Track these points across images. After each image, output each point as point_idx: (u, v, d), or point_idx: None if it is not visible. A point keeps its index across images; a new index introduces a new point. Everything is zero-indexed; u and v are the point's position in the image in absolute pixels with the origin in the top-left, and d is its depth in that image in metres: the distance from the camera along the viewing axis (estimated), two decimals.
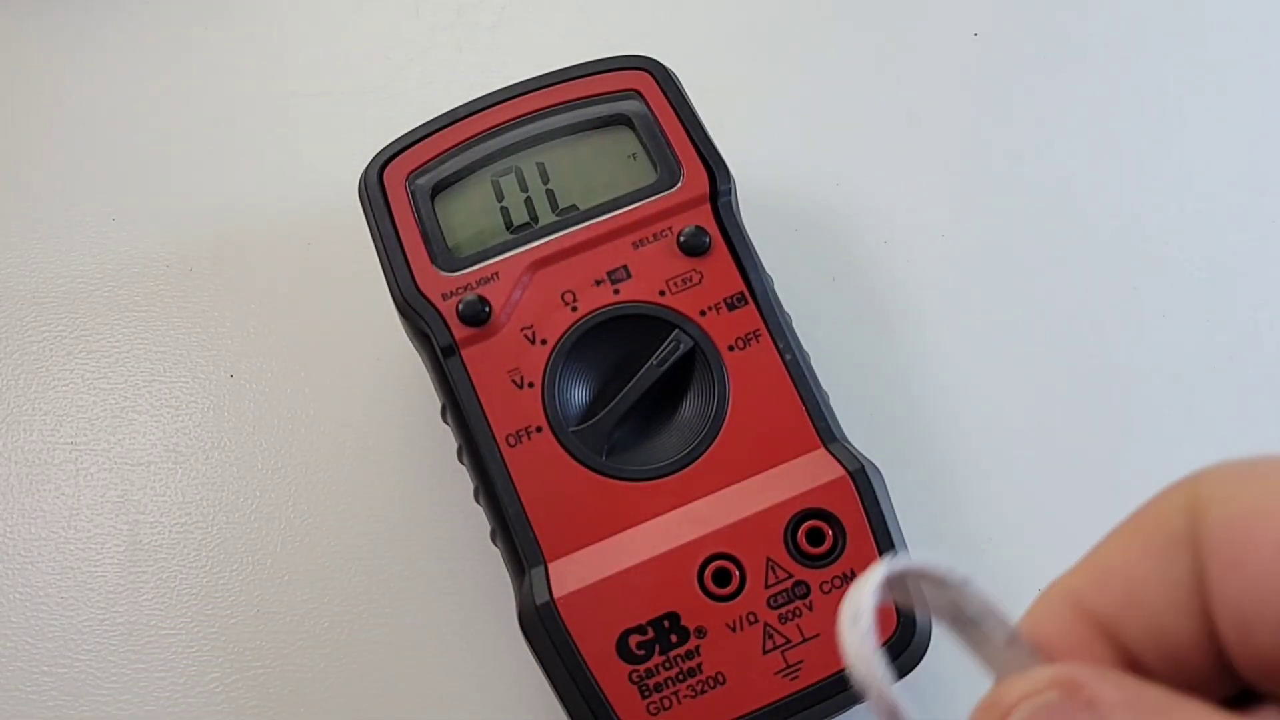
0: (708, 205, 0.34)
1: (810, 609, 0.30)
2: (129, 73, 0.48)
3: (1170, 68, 0.46)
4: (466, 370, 0.32)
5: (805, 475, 0.31)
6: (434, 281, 0.33)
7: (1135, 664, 0.20)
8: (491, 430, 0.31)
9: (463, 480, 0.34)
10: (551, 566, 0.30)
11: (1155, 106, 0.46)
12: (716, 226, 0.33)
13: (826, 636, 0.30)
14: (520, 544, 0.31)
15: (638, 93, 0.35)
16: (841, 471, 0.31)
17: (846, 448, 0.31)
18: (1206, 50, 0.47)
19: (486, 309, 0.32)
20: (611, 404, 0.32)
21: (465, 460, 0.33)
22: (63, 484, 0.41)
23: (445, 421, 0.33)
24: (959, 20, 0.47)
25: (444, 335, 0.32)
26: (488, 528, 0.33)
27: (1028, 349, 0.41)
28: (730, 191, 0.34)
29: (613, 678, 0.29)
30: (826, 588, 0.30)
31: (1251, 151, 0.45)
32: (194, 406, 0.42)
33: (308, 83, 0.48)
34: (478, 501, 0.33)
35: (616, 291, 0.33)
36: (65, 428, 0.42)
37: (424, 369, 0.36)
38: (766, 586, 0.30)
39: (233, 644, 0.39)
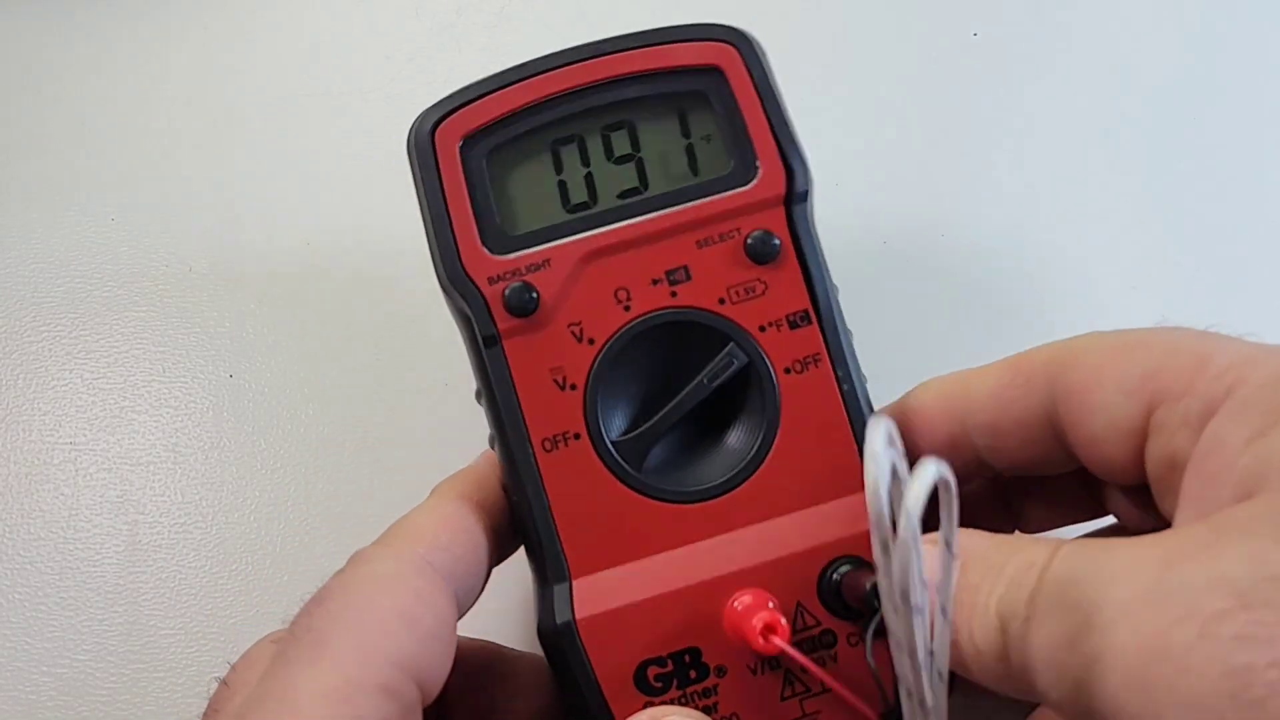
0: (782, 208, 0.31)
1: (834, 659, 0.29)
2: (129, 73, 0.48)
3: (1170, 67, 0.46)
4: (507, 363, 0.30)
5: (848, 519, 0.29)
6: (481, 263, 0.30)
7: (979, 457, 0.30)
8: (527, 432, 0.30)
9: None
10: (576, 584, 0.29)
11: (1156, 105, 0.46)
12: (788, 233, 0.31)
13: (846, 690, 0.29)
14: (546, 557, 0.29)
15: (719, 69, 0.31)
16: None
17: None
18: (1207, 49, 0.47)
19: (534, 299, 0.30)
20: (655, 418, 0.30)
21: (498, 453, 0.31)
22: (62, 484, 0.41)
23: (480, 403, 0.32)
24: (959, 20, 0.47)
25: (486, 324, 0.30)
26: None
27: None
28: (808, 195, 0.31)
29: (627, 707, 0.28)
30: (854, 640, 0.29)
31: (1253, 150, 0.45)
32: (194, 406, 0.42)
33: (308, 83, 0.48)
34: (503, 490, 0.31)
35: (674, 294, 0.30)
36: (65, 428, 0.42)
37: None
38: (794, 631, 0.29)
39: (232, 644, 0.39)
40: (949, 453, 0.30)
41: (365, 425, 0.42)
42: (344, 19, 0.49)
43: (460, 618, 0.29)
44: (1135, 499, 0.29)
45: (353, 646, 0.25)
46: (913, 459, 0.30)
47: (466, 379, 0.31)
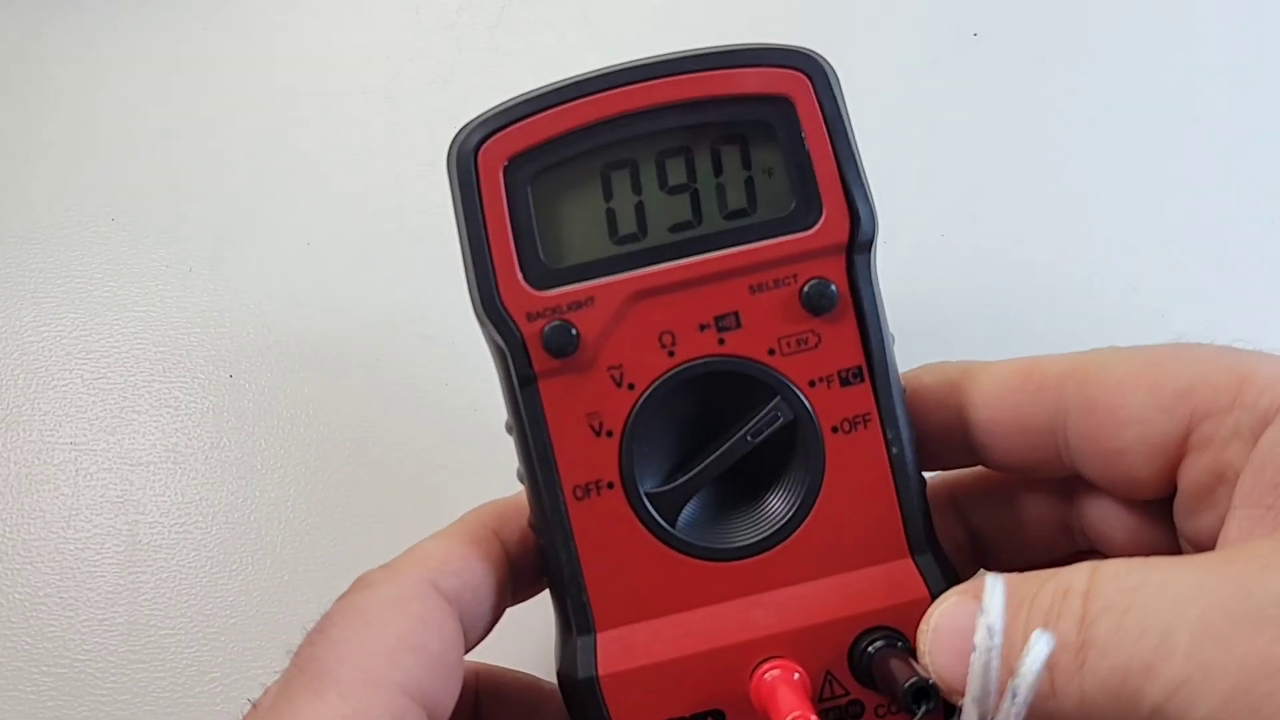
0: (843, 257, 0.29)
1: None
2: (129, 73, 0.48)
3: (1171, 67, 0.46)
4: (541, 405, 0.28)
5: (885, 588, 0.28)
6: (520, 297, 0.28)
7: (968, 447, 0.30)
8: (559, 478, 0.28)
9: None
10: (601, 637, 0.28)
11: (1156, 106, 0.46)
12: (848, 283, 0.29)
13: None
14: (571, 606, 0.28)
15: (788, 100, 0.29)
16: (924, 593, 0.28)
17: (934, 562, 0.29)
18: (1207, 49, 0.47)
19: (574, 338, 0.28)
20: (693, 472, 0.29)
21: (526, 493, 0.30)
22: (62, 484, 0.41)
23: (510, 435, 0.30)
24: (959, 20, 0.47)
25: (523, 364, 0.28)
26: None
27: (1027, 350, 0.41)
28: (872, 244, 0.29)
29: None
30: (881, 711, 0.28)
31: (1253, 150, 0.45)
32: (194, 406, 0.42)
33: (308, 83, 0.48)
34: (530, 527, 0.31)
35: (721, 341, 0.29)
36: (65, 428, 0.42)
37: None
38: (820, 700, 0.28)
39: (232, 644, 0.39)
40: (940, 436, 0.30)
41: (365, 425, 0.42)
42: (344, 19, 0.49)
43: (471, 648, 0.29)
44: (1140, 515, 0.29)
45: (359, 676, 0.25)
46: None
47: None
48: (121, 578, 0.40)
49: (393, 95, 0.47)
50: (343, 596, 0.27)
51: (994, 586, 0.21)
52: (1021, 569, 0.33)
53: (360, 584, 0.27)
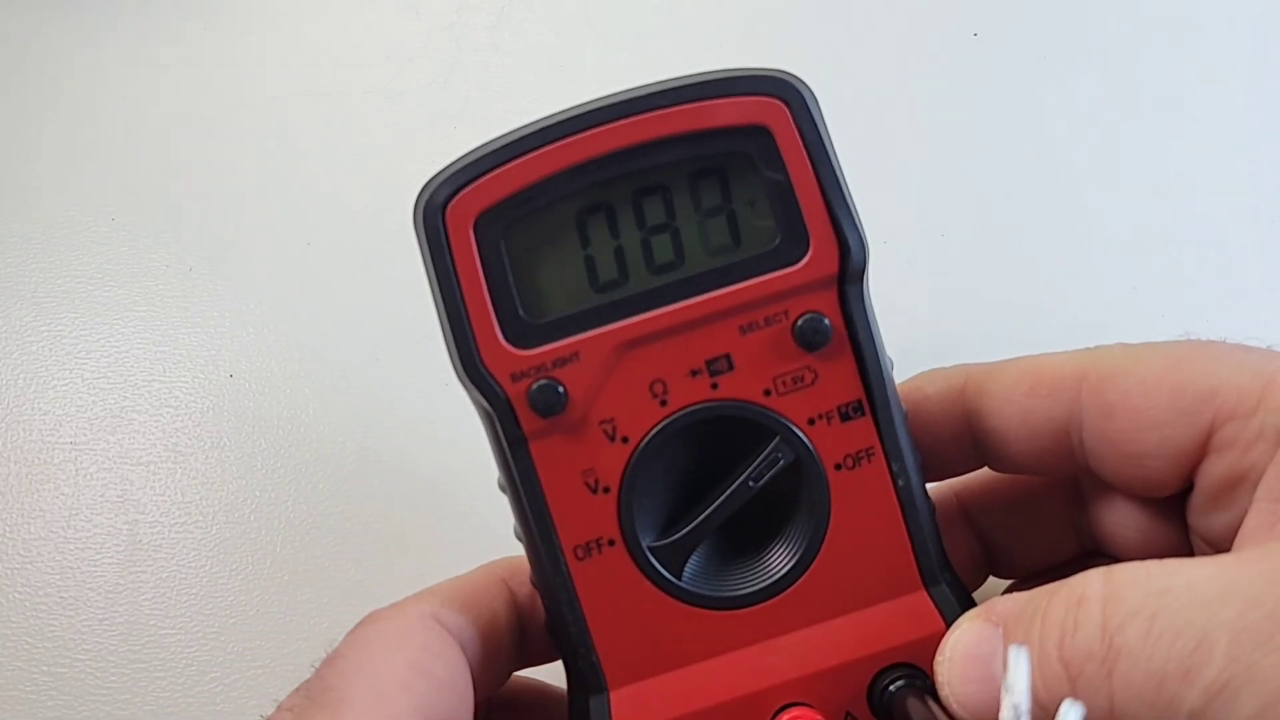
0: (835, 289, 0.28)
1: None
2: (129, 73, 0.48)
3: (1171, 67, 0.46)
4: (533, 466, 0.28)
5: (901, 623, 0.28)
6: (502, 358, 0.27)
7: (976, 452, 0.30)
8: (558, 539, 0.28)
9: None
10: (614, 695, 0.28)
11: (1156, 106, 0.46)
12: (841, 316, 0.28)
13: None
14: (581, 667, 0.28)
15: (767, 130, 0.27)
16: (940, 625, 0.27)
17: (948, 592, 0.28)
18: (1207, 49, 0.47)
19: (562, 396, 0.27)
20: (695, 522, 0.28)
21: (526, 553, 0.29)
22: (63, 484, 0.41)
23: (503, 492, 0.29)
24: (959, 20, 0.47)
25: (511, 426, 0.27)
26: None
27: (1028, 350, 0.41)
28: (864, 274, 0.28)
29: None
30: None
31: (1252, 151, 0.45)
32: (194, 406, 0.42)
33: (307, 83, 0.48)
34: (533, 585, 0.30)
35: (714, 386, 0.28)
36: (65, 428, 0.42)
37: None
38: None
39: (232, 644, 0.39)
40: (947, 447, 0.30)
41: (365, 425, 0.42)
42: (344, 19, 0.49)
43: (484, 694, 0.29)
44: (1151, 513, 0.29)
45: (372, 701, 0.25)
46: (919, 445, 0.29)
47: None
48: (121, 578, 0.40)
49: (393, 95, 0.47)
50: (351, 631, 0.28)
51: (1018, 660, 0.21)
52: (1029, 572, 0.33)
53: (367, 620, 0.28)
